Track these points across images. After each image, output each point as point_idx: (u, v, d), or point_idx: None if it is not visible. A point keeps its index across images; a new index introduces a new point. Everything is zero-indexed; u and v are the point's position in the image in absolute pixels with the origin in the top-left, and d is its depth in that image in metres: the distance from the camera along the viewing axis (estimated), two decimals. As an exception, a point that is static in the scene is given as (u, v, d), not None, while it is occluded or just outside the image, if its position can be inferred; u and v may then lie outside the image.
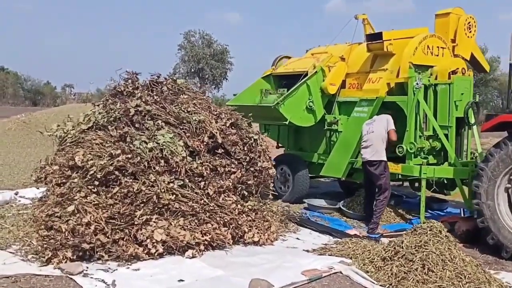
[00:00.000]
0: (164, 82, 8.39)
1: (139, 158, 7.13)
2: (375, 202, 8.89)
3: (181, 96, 8.17)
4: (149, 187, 6.90)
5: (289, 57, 11.74)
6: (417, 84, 8.91)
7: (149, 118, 7.72)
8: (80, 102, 52.37)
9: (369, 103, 9.59)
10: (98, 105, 8.18)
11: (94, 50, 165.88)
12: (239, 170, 7.83)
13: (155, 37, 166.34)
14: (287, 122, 9.93)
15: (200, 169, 7.48)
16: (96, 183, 6.88)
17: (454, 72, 9.18)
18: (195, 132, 7.72)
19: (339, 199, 10.53)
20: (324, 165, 10.37)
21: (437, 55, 9.70)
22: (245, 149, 8.08)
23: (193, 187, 7.41)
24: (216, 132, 7.87)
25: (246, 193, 7.90)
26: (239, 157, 7.96)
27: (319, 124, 10.45)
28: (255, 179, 7.93)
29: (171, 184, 7.15)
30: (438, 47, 9.73)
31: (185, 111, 7.87)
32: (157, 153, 7.21)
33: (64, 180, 7.08)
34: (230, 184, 7.66)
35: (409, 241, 6.15)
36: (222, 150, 7.99)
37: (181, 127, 7.75)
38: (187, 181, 7.38)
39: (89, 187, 6.83)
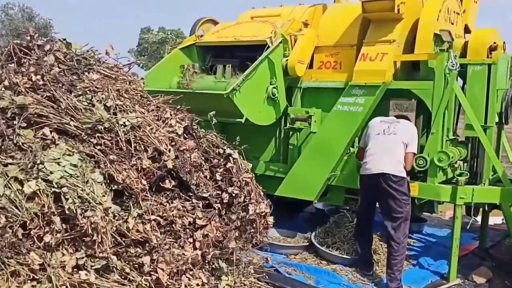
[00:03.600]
0: (49, 47, 3.81)
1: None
2: (391, 244, 5.44)
3: (89, 75, 3.85)
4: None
5: (216, 22, 7.71)
6: (453, 64, 5.57)
7: (25, 123, 3.42)
8: None
9: (368, 91, 5.94)
10: None
11: None
12: (212, 222, 3.86)
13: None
14: (242, 120, 5.85)
15: (139, 231, 3.39)
16: None
17: (492, 49, 6.08)
18: (127, 152, 3.58)
19: (301, 226, 7.03)
20: (278, 180, 6.70)
21: (453, 23, 6.50)
22: (218, 177, 4.11)
23: (128, 271, 3.31)
24: (167, 149, 3.79)
25: (220, 265, 3.97)
26: (207, 195, 3.99)
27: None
28: (241, 236, 4.02)
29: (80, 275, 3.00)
30: (454, 12, 6.49)
31: (102, 107, 3.67)
32: (47, 208, 3.00)
33: None
34: (198, 254, 3.67)
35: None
36: (174, 183, 3.94)
37: (96, 141, 3.55)
38: (115, 260, 3.26)
39: None
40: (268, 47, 6.03)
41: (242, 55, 6.56)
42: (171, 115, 4.08)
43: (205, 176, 3.93)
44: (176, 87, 6.71)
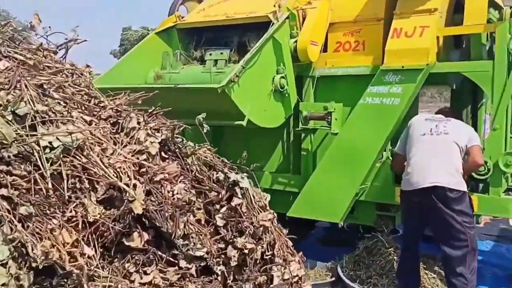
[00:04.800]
0: None
1: None
2: (454, 284, 3.95)
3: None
4: None
5: (199, -1, 6.09)
6: (521, 37, 4.08)
7: None
8: None
9: (407, 77, 4.30)
10: None
11: None
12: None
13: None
14: (243, 122, 4.19)
15: None
16: None
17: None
18: (57, 196, 2.03)
19: (317, 250, 5.45)
20: (289, 196, 5.13)
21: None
22: (219, 222, 2.53)
23: None
24: (130, 183, 2.24)
25: None
26: (202, 253, 2.43)
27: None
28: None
29: None
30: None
31: (11, 117, 2.11)
32: None
33: None
34: None
35: None
36: (148, 237, 2.38)
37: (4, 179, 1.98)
38: None
39: None
40: (273, 24, 4.44)
41: (237, 38, 4.99)
42: (139, 123, 2.48)
43: (198, 221, 2.35)
44: (152, 82, 5.12)
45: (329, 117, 4.59)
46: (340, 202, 4.57)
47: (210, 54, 4.80)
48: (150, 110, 2.68)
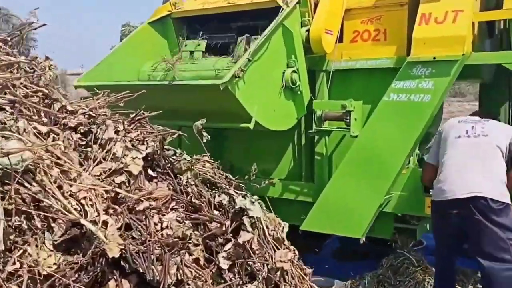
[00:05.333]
0: None
1: None
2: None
3: None
4: None
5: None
6: None
7: None
8: None
9: (439, 70, 3.66)
10: None
11: None
12: None
13: None
14: (250, 125, 3.57)
15: None
16: None
17: None
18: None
19: (333, 265, 4.83)
20: (302, 206, 4.54)
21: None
22: (223, 263, 1.96)
23: None
24: (99, 219, 1.66)
25: None
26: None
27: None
28: None
29: None
30: None
31: None
32: None
33: None
34: None
35: None
36: (129, 285, 1.81)
37: None
38: None
39: None
40: (282, 10, 3.83)
41: (240, 28, 4.39)
42: (117, 133, 1.89)
43: (196, 261, 1.76)
44: (147, 78, 4.52)
45: (348, 117, 3.98)
46: (362, 214, 3.97)
47: (185, 45, 4.20)
48: (132, 115, 2.08)
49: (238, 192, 2.08)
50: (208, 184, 2.17)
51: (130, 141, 1.85)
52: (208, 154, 2.46)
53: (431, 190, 3.64)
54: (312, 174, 4.49)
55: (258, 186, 2.48)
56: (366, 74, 4.21)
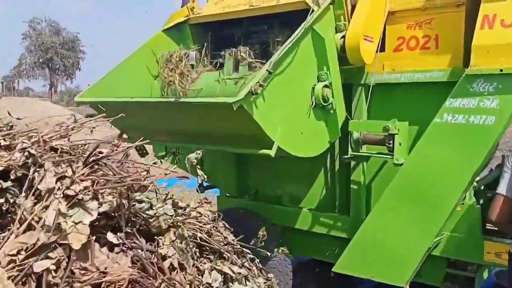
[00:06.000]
0: None
1: None
2: None
3: None
4: None
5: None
6: None
7: None
8: None
9: (506, 85, 2.91)
10: None
11: None
12: None
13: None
14: (272, 152, 2.88)
15: None
16: None
17: None
18: None
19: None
20: (334, 241, 3.88)
21: None
22: None
23: None
24: None
25: None
26: None
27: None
28: None
29: None
30: None
31: None
32: None
33: None
34: None
35: None
36: None
37: None
38: None
39: None
40: (312, 12, 3.19)
41: (265, 34, 3.80)
42: (61, 180, 1.30)
43: None
44: (160, 94, 3.97)
45: (391, 141, 3.31)
46: (406, 258, 3.29)
47: (228, 56, 3.60)
48: (90, 150, 1.48)
49: (238, 267, 1.45)
50: (199, 248, 1.56)
51: (75, 195, 1.26)
52: (210, 201, 1.85)
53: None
54: (348, 206, 3.84)
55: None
56: (413, 90, 3.55)
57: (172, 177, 7.57)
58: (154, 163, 1.86)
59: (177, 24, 4.16)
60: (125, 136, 3.68)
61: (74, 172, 1.30)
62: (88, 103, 3.67)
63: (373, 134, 3.44)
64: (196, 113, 3.02)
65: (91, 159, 1.43)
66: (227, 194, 4.55)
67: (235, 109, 2.63)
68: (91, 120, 1.59)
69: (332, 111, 3.31)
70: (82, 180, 1.33)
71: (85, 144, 1.55)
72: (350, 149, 3.54)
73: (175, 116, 3.23)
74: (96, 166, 1.45)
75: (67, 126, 1.54)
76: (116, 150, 1.56)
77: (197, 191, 4.58)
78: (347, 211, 3.85)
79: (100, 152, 1.45)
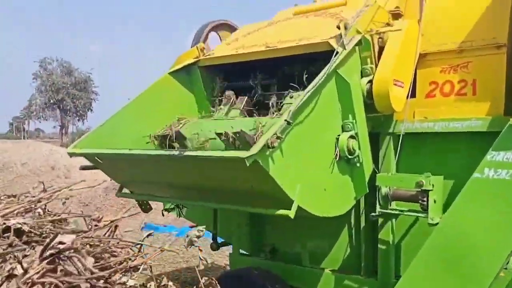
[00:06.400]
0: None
1: None
2: None
3: None
4: None
5: (233, 27, 4.61)
6: None
7: None
8: None
9: None
10: None
11: None
12: None
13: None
14: (291, 212, 2.50)
15: None
16: None
17: None
18: None
19: None
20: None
21: None
22: None
23: None
24: None
25: None
26: None
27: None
28: None
29: None
30: None
31: None
32: None
33: None
34: None
35: None
36: None
37: None
38: None
39: None
40: (336, 54, 2.88)
41: (283, 78, 3.50)
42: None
43: None
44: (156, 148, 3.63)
45: (424, 198, 2.93)
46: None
47: (241, 101, 3.29)
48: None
49: None
50: None
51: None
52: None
53: None
54: (375, 268, 3.45)
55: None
56: (448, 140, 3.20)
57: (183, 226, 7.21)
58: (149, 235, 1.50)
59: (186, 66, 3.87)
60: (125, 190, 3.35)
61: (26, 271, 0.96)
62: (80, 155, 3.31)
63: (404, 190, 3.05)
64: (202, 168, 2.69)
65: (48, 253, 1.08)
66: (240, 251, 4.16)
67: (248, 164, 2.29)
68: (66, 188, 1.25)
69: (358, 164, 2.94)
70: (34, 284, 0.97)
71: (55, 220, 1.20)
72: (378, 206, 3.16)
73: (179, 170, 2.90)
74: (57, 261, 1.09)
75: (31, 198, 1.20)
76: (97, 226, 1.21)
77: (211, 248, 4.25)
78: (374, 273, 3.44)
79: (61, 243, 1.10)
